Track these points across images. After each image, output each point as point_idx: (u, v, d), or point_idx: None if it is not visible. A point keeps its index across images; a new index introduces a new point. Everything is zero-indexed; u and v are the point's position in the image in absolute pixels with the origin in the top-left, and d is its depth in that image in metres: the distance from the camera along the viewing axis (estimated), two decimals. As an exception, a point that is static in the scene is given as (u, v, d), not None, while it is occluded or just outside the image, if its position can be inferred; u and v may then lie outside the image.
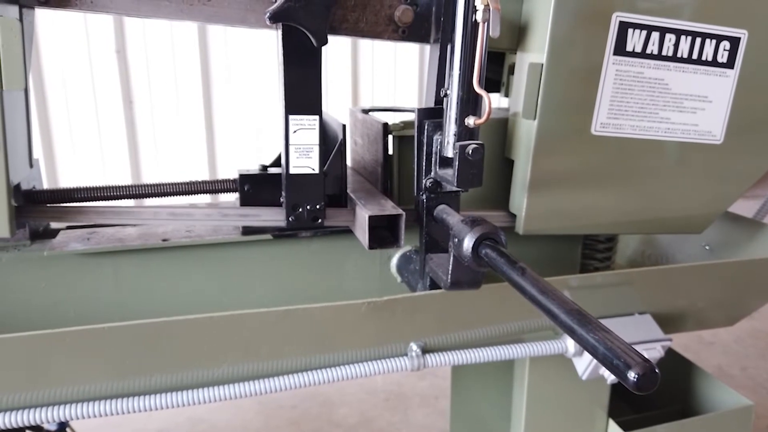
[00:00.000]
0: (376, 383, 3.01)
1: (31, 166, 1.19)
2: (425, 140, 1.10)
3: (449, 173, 1.04)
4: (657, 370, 0.58)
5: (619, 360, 0.60)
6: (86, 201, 1.19)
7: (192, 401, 1.03)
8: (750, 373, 3.19)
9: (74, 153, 3.86)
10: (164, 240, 1.20)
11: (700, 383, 1.57)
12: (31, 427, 1.49)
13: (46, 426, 1.57)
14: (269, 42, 3.96)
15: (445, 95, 1.05)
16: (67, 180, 3.84)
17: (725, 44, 1.20)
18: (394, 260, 1.35)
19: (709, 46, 1.20)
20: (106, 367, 1.00)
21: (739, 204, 1.44)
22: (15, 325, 1.13)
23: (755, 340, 3.53)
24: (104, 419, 2.53)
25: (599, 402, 1.41)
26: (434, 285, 1.16)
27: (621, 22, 1.14)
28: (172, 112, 4.00)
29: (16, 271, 1.16)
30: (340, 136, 1.19)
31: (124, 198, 1.21)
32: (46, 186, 1.24)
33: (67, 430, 1.65)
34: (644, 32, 1.16)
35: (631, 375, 0.58)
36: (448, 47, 1.04)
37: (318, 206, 1.15)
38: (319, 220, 1.16)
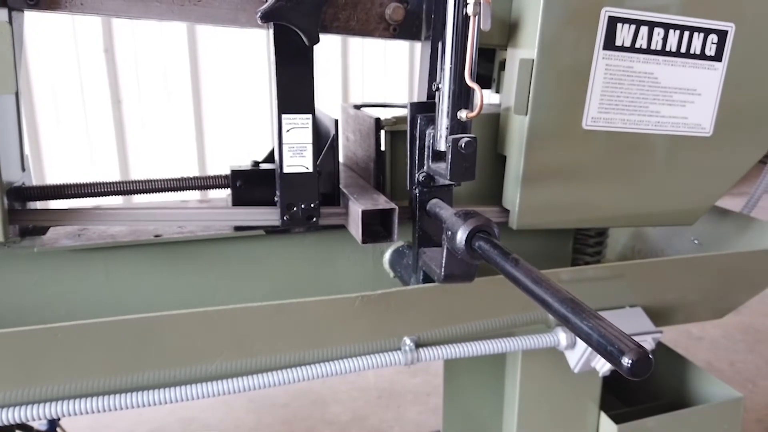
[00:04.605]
0: (369, 381, 3.02)
1: (23, 169, 1.18)
2: (418, 134, 1.11)
3: (442, 167, 1.04)
4: (651, 356, 0.58)
5: (613, 346, 0.60)
6: (76, 197, 1.18)
7: (185, 397, 1.02)
8: (738, 367, 3.23)
9: (62, 152, 3.83)
10: (156, 236, 1.19)
11: (690, 376, 1.58)
12: (20, 426, 1.49)
13: (36, 425, 1.56)
14: (260, 39, 3.95)
15: (437, 89, 1.05)
16: (54, 180, 3.81)
17: (713, 37, 1.22)
18: (387, 255, 1.35)
19: (697, 40, 1.21)
20: (98, 363, 0.99)
21: (726, 201, 1.46)
22: (4, 322, 1.12)
23: (743, 335, 3.57)
24: (94, 419, 2.51)
25: (591, 395, 1.42)
26: (427, 279, 1.16)
27: (610, 17, 1.15)
28: (161, 110, 3.98)
29: (5, 267, 1.15)
30: (332, 132, 1.19)
31: (115, 194, 1.21)
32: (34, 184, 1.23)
33: (57, 429, 1.64)
34: (633, 27, 1.17)
35: (626, 361, 0.58)
36: (439, 43, 1.04)
37: (312, 205, 1.15)
38: (314, 219, 1.16)
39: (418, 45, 1.18)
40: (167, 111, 3.99)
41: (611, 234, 1.65)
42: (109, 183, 1.20)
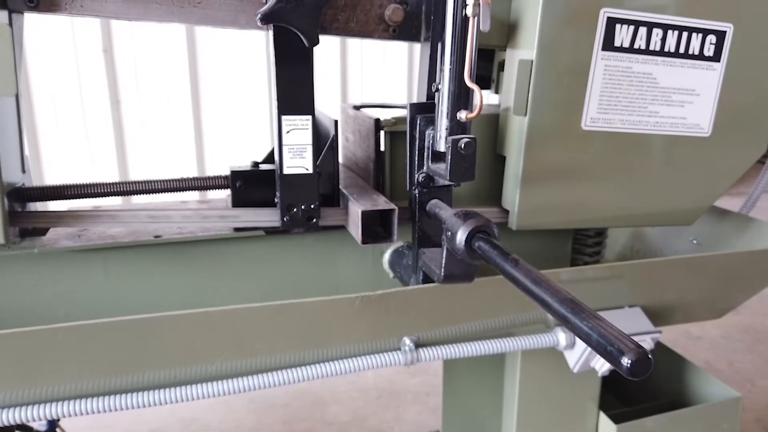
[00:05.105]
0: (368, 381, 3.02)
1: (23, 171, 1.18)
2: (417, 135, 1.11)
3: (442, 167, 1.05)
4: (650, 356, 0.58)
5: (612, 346, 0.60)
6: (76, 198, 1.18)
7: (185, 398, 1.02)
8: (737, 367, 3.23)
9: (61, 153, 3.82)
10: (156, 237, 1.19)
11: (689, 376, 1.58)
12: (20, 426, 1.49)
13: (35, 426, 1.56)
14: (259, 40, 3.95)
15: (437, 90, 1.05)
16: (53, 181, 3.80)
17: (711, 38, 1.22)
18: (386, 256, 1.35)
19: (696, 40, 1.21)
20: (98, 363, 0.99)
21: (725, 201, 1.46)
22: (5, 323, 1.12)
23: (743, 335, 3.57)
24: (94, 420, 2.51)
25: (590, 395, 1.42)
26: (427, 279, 1.16)
27: (609, 18, 1.15)
28: (161, 111, 3.98)
29: (5, 268, 1.15)
30: (332, 133, 1.19)
31: (114, 195, 1.21)
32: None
33: (57, 430, 1.64)
34: (632, 27, 1.17)
35: (625, 361, 0.58)
36: (439, 44, 1.04)
37: (312, 206, 1.15)
38: (314, 220, 1.16)
39: (417, 46, 1.18)
40: (166, 111, 3.99)
41: (610, 234, 1.65)
42: (109, 184, 1.20)
